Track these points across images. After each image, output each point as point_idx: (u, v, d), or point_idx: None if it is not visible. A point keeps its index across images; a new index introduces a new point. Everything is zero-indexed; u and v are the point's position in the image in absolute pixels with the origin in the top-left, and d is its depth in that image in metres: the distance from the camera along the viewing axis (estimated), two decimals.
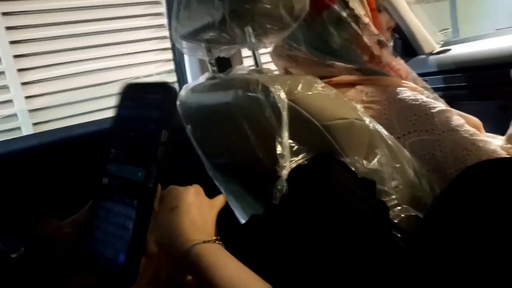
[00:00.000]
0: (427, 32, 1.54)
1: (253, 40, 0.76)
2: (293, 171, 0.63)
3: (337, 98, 0.70)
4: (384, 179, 0.66)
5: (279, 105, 0.63)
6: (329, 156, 0.64)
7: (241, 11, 0.73)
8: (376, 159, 0.66)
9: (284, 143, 0.62)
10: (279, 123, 0.63)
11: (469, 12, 3.30)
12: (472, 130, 0.75)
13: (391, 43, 0.91)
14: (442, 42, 1.58)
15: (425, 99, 0.77)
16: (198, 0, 0.78)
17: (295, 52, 0.89)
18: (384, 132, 0.71)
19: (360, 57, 0.84)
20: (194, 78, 1.12)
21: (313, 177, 0.61)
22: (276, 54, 0.92)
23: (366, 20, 0.82)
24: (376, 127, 0.70)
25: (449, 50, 1.49)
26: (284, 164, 0.62)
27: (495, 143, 0.77)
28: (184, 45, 0.90)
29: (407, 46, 1.53)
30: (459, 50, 1.45)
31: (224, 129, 0.84)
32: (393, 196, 0.66)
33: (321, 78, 0.76)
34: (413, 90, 0.80)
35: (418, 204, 0.69)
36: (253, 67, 0.80)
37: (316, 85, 0.69)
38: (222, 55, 0.88)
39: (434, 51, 1.54)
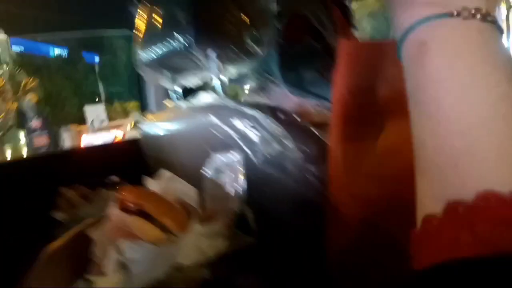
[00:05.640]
0: None
1: (217, 66, 0.74)
2: None
3: None
4: None
5: None
6: None
7: (207, 38, 0.72)
8: None
9: None
10: None
11: None
12: None
13: None
14: None
15: None
16: (162, 27, 0.77)
17: (268, 84, 0.88)
18: None
19: (330, 92, 0.84)
20: (158, 106, 1.09)
21: None
22: (249, 87, 0.91)
23: None
24: None
25: None
26: None
27: None
28: (147, 73, 0.87)
29: None
30: None
31: (190, 156, 0.80)
32: None
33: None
34: None
35: None
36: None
37: None
38: (186, 83, 0.86)
39: None
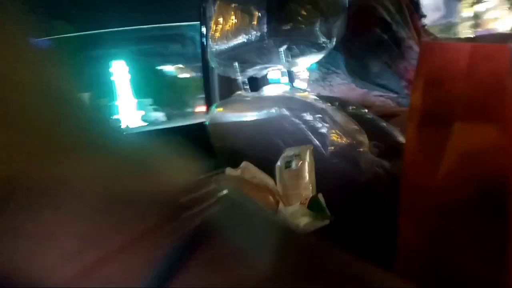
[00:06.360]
0: None
1: (288, 59, 0.76)
2: None
3: None
4: None
5: None
6: None
7: (279, 31, 0.74)
8: None
9: None
10: None
11: None
12: None
13: None
14: None
15: None
16: (237, 20, 0.80)
17: (332, 76, 0.89)
18: None
19: (398, 83, 0.83)
20: (222, 96, 1.12)
21: None
22: (312, 79, 0.92)
23: (411, 42, 0.81)
24: None
25: None
26: None
27: None
28: (217, 63, 0.91)
29: None
30: None
31: (258, 146, 0.82)
32: None
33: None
34: None
35: None
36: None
37: None
38: (254, 74, 0.89)
39: None
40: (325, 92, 0.90)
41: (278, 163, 0.67)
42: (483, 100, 0.50)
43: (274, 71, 0.95)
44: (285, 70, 0.86)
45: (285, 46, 0.75)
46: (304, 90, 0.82)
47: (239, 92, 0.90)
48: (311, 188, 0.64)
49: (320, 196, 0.63)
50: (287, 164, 0.66)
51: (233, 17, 0.80)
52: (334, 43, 0.76)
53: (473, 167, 0.52)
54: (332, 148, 0.66)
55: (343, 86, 0.88)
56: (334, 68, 0.89)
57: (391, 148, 0.67)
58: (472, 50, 0.52)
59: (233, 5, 0.81)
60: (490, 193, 0.50)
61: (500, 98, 0.48)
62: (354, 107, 0.78)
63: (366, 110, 0.79)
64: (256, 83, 0.98)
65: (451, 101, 0.53)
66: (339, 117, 0.68)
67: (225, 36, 0.83)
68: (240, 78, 0.87)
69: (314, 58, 0.79)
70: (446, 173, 0.52)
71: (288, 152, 0.66)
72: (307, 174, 0.63)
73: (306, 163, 0.64)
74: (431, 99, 0.55)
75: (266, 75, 1.01)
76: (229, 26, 0.81)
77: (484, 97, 0.51)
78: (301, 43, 0.75)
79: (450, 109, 0.53)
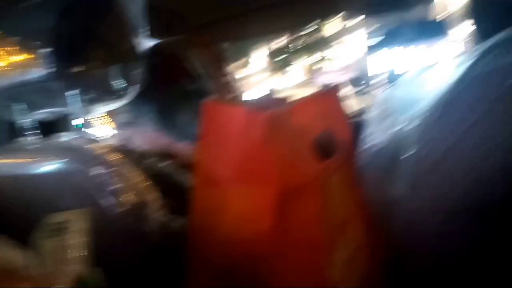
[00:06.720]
0: None
1: (80, 105, 0.68)
2: None
3: None
4: None
5: None
6: None
7: (67, 73, 0.66)
8: None
9: None
10: None
11: None
12: None
13: None
14: None
15: None
16: (16, 55, 0.68)
17: (140, 122, 0.84)
18: None
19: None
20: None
21: None
22: (118, 122, 0.86)
23: (217, 96, 0.83)
24: None
25: None
26: None
27: None
28: None
29: None
30: None
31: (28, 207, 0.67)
32: None
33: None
34: None
35: None
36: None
37: None
38: (43, 118, 0.77)
39: None
40: (130, 139, 0.85)
41: (38, 232, 0.54)
42: (248, 164, 0.52)
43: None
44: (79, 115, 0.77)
45: (74, 91, 0.67)
46: (98, 139, 0.74)
47: (20, 138, 0.76)
48: (82, 262, 0.54)
49: (93, 272, 0.53)
50: (52, 234, 0.54)
51: (12, 52, 0.68)
52: (135, 90, 0.72)
53: (241, 230, 0.53)
54: (118, 209, 0.59)
55: (150, 133, 0.85)
56: (141, 114, 0.85)
57: (183, 201, 0.64)
58: (242, 114, 0.55)
59: (13, 38, 0.69)
60: (255, 256, 0.51)
61: (260, 163, 0.51)
62: (154, 159, 0.74)
63: (168, 162, 0.76)
64: (52, 128, 0.85)
65: (226, 162, 0.54)
66: (129, 172, 0.62)
67: (3, 72, 0.70)
68: (21, 122, 0.74)
69: (110, 105, 0.73)
70: (222, 235, 0.52)
71: (54, 218, 0.54)
72: (78, 245, 0.53)
73: (79, 231, 0.54)
74: (210, 158, 0.55)
75: (67, 119, 0.89)
76: (7, 62, 0.68)
77: (249, 161, 0.53)
78: (95, 89, 0.68)
79: (225, 170, 0.54)
